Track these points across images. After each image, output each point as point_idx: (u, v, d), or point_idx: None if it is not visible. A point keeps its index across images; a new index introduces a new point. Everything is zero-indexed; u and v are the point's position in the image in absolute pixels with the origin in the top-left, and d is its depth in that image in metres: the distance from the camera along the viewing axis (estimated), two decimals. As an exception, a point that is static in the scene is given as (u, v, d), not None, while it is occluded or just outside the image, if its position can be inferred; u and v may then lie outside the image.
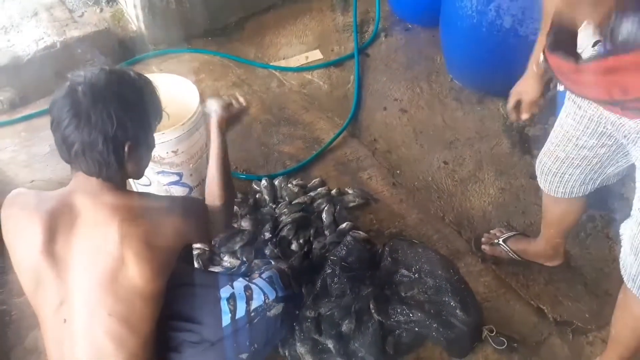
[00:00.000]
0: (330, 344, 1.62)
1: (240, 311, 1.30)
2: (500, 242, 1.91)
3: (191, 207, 1.34)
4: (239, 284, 1.35)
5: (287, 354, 1.64)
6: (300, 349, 1.63)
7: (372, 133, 2.43)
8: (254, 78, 2.68)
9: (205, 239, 1.60)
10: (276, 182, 2.14)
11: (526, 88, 1.47)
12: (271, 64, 2.76)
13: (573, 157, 1.41)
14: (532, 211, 2.08)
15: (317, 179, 2.17)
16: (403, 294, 1.71)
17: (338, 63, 2.75)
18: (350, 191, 2.12)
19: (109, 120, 1.12)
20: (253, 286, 1.34)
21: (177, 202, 1.34)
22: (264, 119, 2.48)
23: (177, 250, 1.24)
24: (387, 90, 2.61)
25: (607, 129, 1.29)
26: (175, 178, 1.93)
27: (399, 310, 1.65)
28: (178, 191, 1.99)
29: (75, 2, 2.78)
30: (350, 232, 1.88)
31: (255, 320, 1.30)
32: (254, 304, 1.31)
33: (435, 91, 2.59)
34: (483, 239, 1.94)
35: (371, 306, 1.66)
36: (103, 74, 1.16)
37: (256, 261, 1.85)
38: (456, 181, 2.21)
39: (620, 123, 1.20)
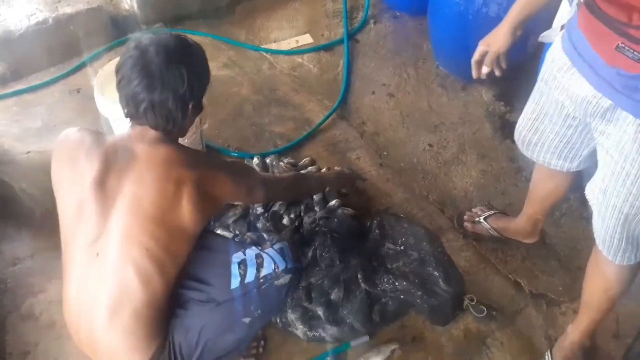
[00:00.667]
0: (319, 311, 1.70)
1: (250, 276, 1.36)
2: (482, 219, 2.01)
3: (240, 169, 1.49)
4: (251, 251, 1.41)
5: (278, 320, 1.72)
6: (291, 315, 1.70)
7: (361, 116, 2.50)
8: (245, 60, 2.73)
9: (248, 200, 1.77)
10: (267, 160, 2.20)
11: (495, 38, 1.51)
12: (262, 46, 2.81)
13: (548, 131, 1.48)
14: (511, 192, 2.19)
15: (308, 158, 2.24)
16: (389, 266, 1.80)
17: (328, 47, 2.81)
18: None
19: (180, 80, 1.23)
20: (265, 255, 1.40)
21: (228, 162, 1.59)
22: (255, 99, 2.53)
23: (221, 203, 1.37)
24: (376, 75, 2.69)
25: (570, 111, 1.36)
26: (170, 152, 1.98)
27: (385, 280, 1.74)
28: (172, 166, 2.03)
29: (67, -21, 2.77)
30: (340, 208, 1.96)
31: (263, 287, 1.35)
32: (264, 272, 1.36)
33: (421, 77, 2.68)
34: (465, 217, 2.04)
35: (359, 276, 1.75)
36: (170, 38, 1.27)
37: (249, 234, 1.92)
38: (440, 163, 2.31)
39: (587, 101, 1.26)
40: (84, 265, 1.28)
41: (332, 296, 1.72)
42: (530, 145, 1.57)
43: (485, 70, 1.56)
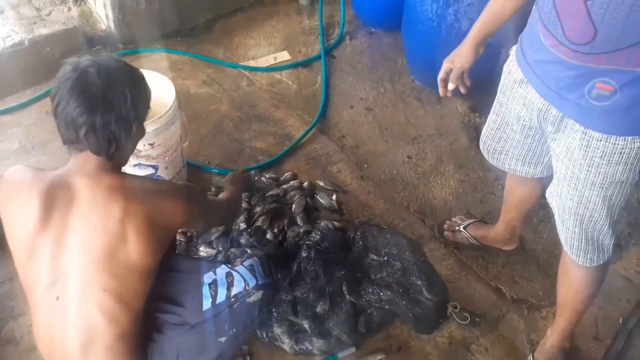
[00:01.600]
0: (305, 324, 1.70)
1: (221, 296, 1.34)
2: (461, 228, 2.05)
3: (191, 192, 1.40)
4: (222, 270, 1.40)
5: (264, 335, 1.72)
6: (277, 330, 1.70)
7: (340, 130, 2.54)
8: (223, 77, 2.75)
9: (201, 225, 1.71)
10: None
11: (458, 56, 1.53)
12: (241, 63, 2.84)
13: (511, 139, 1.54)
14: (489, 200, 2.24)
15: (289, 173, 2.26)
16: (373, 276, 1.82)
17: (306, 64, 2.86)
18: (321, 183, 2.22)
19: (123, 100, 1.19)
20: (234, 273, 1.39)
21: (177, 186, 1.42)
22: (235, 116, 2.55)
23: (174, 231, 1.32)
24: (353, 90, 2.74)
25: (526, 122, 1.41)
26: (151, 171, 1.98)
27: (369, 291, 1.76)
28: (154, 184, 2.03)
29: (41, 1, 2.77)
30: (323, 220, 1.98)
31: (235, 306, 1.34)
32: (235, 290, 1.35)
33: (398, 91, 2.74)
34: (445, 226, 2.08)
35: (344, 288, 1.76)
36: (112, 59, 1.24)
37: (232, 250, 1.92)
38: (419, 174, 2.35)
39: (539, 109, 1.32)
40: (46, 308, 1.25)
41: (318, 309, 1.73)
42: (495, 154, 1.63)
43: (450, 87, 1.58)
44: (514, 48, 1.43)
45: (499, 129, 1.56)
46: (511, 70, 1.42)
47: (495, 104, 1.55)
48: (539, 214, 2.16)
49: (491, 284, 1.97)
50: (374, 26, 3.08)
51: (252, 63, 2.85)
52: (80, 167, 1.23)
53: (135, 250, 1.21)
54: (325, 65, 2.81)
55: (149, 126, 1.83)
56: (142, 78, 1.29)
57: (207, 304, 1.34)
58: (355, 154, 2.43)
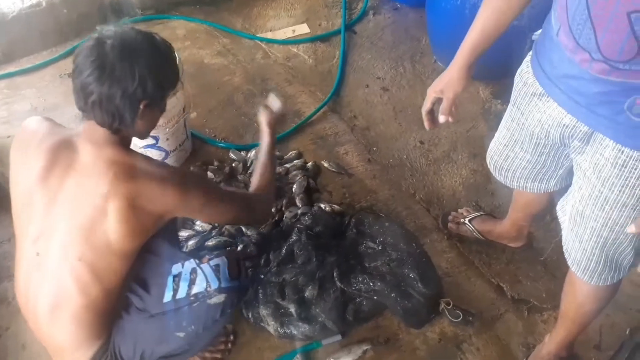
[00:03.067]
0: (292, 308, 1.67)
1: (182, 292, 1.29)
2: (466, 221, 1.96)
3: (190, 181, 1.33)
4: (189, 264, 1.33)
5: (250, 315, 1.70)
6: (263, 311, 1.68)
7: (353, 109, 2.45)
8: (239, 48, 2.69)
9: (204, 218, 1.62)
10: (253, 152, 2.16)
11: (448, 84, 1.35)
12: (258, 35, 2.77)
13: (520, 158, 1.42)
14: (501, 193, 2.12)
15: (294, 151, 2.20)
16: (367, 265, 1.76)
17: (324, 38, 2.76)
18: (325, 164, 2.16)
19: (131, 77, 1.16)
20: (199, 271, 1.32)
21: (175, 172, 1.34)
22: (246, 89, 2.49)
23: (163, 216, 1.27)
24: (371, 68, 2.63)
25: (541, 140, 1.30)
26: (151, 141, 1.96)
27: (360, 280, 1.71)
28: (154, 155, 2.01)
29: (63, -38, 2.75)
30: (319, 203, 1.92)
31: (195, 305, 1.29)
32: (195, 289, 1.29)
33: (418, 71, 2.62)
34: (450, 217, 1.99)
35: (335, 274, 1.72)
36: (133, 33, 1.20)
37: (227, 227, 1.90)
38: (430, 160, 2.25)
39: (564, 125, 1.20)
40: (27, 262, 1.28)
41: (306, 293, 1.70)
42: (502, 171, 1.52)
43: (442, 119, 1.40)
44: (528, 58, 1.30)
45: (506, 147, 1.43)
46: (527, 82, 1.28)
47: (506, 117, 1.42)
48: (552, 211, 2.03)
49: (492, 281, 1.88)
50: (400, 1, 2.93)
51: (269, 35, 2.77)
52: (89, 133, 1.23)
53: (114, 229, 1.20)
54: (345, 40, 2.70)
55: (148, 96, 1.81)
56: (164, 57, 1.24)
57: (168, 296, 1.30)
58: (365, 135, 2.34)
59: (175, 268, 1.31)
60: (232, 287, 1.30)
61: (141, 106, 1.20)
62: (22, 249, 1.29)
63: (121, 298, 1.32)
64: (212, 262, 1.32)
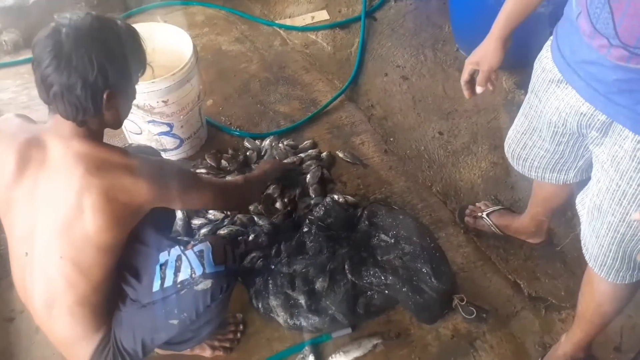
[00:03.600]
0: (301, 299, 1.65)
1: (169, 280, 1.28)
2: (484, 215, 1.90)
3: (163, 170, 1.29)
4: (174, 252, 1.31)
5: (259, 305, 1.69)
6: (273, 302, 1.67)
7: (371, 98, 2.40)
8: (257, 35, 2.66)
9: (182, 206, 1.58)
10: (267, 141, 2.14)
11: (484, 56, 1.37)
12: (277, 21, 2.73)
13: (539, 147, 1.39)
14: (521, 187, 2.06)
15: (309, 141, 2.18)
16: (379, 258, 1.73)
17: (344, 25, 2.71)
18: (340, 154, 2.13)
19: (89, 65, 1.10)
20: (184, 258, 1.30)
21: (145, 162, 1.27)
22: (263, 77, 2.47)
23: (140, 208, 1.24)
24: (391, 55, 2.57)
25: (559, 129, 1.26)
26: (165, 128, 1.95)
27: (372, 273, 1.68)
28: (169, 142, 2.01)
29: (84, -53, 2.75)
30: (331, 195, 1.89)
31: (183, 292, 1.27)
32: (181, 277, 1.28)
33: (439, 60, 2.54)
34: (467, 211, 1.94)
35: (346, 266, 1.69)
36: (89, 19, 1.14)
37: (239, 216, 1.88)
38: (448, 152, 2.20)
39: (581, 114, 1.16)
40: (18, 262, 1.29)
41: (317, 285, 1.67)
42: (520, 160, 1.48)
43: (479, 90, 1.42)
44: (548, 42, 1.24)
45: (524, 134, 1.40)
46: (545, 68, 1.24)
47: (524, 104, 1.39)
48: (574, 207, 1.96)
49: (509, 278, 1.83)
50: (423, -13, 2.85)
51: (288, 21, 2.74)
52: (57, 127, 1.19)
53: (91, 224, 1.17)
54: (364, 27, 2.65)
55: (162, 83, 1.80)
56: (124, 42, 1.18)
57: (156, 285, 1.28)
58: (382, 125, 2.29)
59: (162, 256, 1.30)
60: (217, 272, 1.28)
61: (104, 96, 1.15)
62: (12, 249, 1.29)
63: (115, 290, 1.31)
64: (196, 248, 1.30)
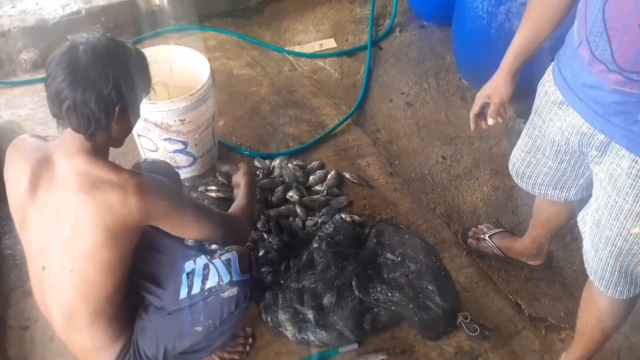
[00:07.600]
0: (310, 314, 1.70)
1: (196, 288, 1.32)
2: (486, 237, 1.97)
3: (154, 189, 1.28)
4: (201, 261, 1.36)
5: (269, 319, 1.73)
6: (282, 316, 1.71)
7: (376, 123, 2.50)
8: (267, 60, 2.77)
9: (182, 232, 1.41)
10: (277, 162, 2.22)
11: (495, 89, 1.44)
12: (286, 48, 2.84)
13: (542, 165, 1.46)
14: (522, 211, 2.14)
15: (317, 162, 2.25)
16: (386, 275, 1.79)
17: (351, 53, 2.82)
18: (347, 175, 2.20)
19: (105, 79, 1.16)
20: (211, 266, 1.34)
21: (143, 184, 1.26)
22: (272, 100, 2.56)
23: (135, 227, 1.27)
24: (396, 83, 2.68)
25: (562, 147, 1.34)
26: (180, 146, 2.02)
27: (379, 290, 1.73)
28: (182, 159, 2.08)
29: (103, -27, 2.87)
30: (342, 213, 1.96)
31: (209, 299, 1.31)
32: (209, 284, 1.32)
33: (442, 88, 2.65)
34: (470, 233, 2.01)
35: (353, 283, 1.74)
36: (104, 38, 1.21)
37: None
38: (451, 176, 2.28)
39: (582, 133, 1.23)
40: (36, 275, 1.35)
41: (325, 301, 1.72)
42: (524, 178, 1.55)
43: (491, 122, 1.50)
44: (550, 68, 1.34)
45: (529, 153, 1.48)
46: (548, 91, 1.33)
47: (528, 125, 1.47)
48: (573, 231, 2.04)
49: (510, 298, 1.89)
50: (426, 19, 2.99)
51: (297, 48, 2.84)
52: (65, 144, 1.24)
53: (89, 240, 1.22)
54: (370, 55, 2.76)
55: (180, 102, 1.88)
56: (136, 60, 1.26)
57: (183, 292, 1.33)
58: (387, 149, 2.38)
59: (188, 265, 1.35)
60: (243, 280, 1.33)
61: (117, 109, 1.20)
62: (30, 264, 1.35)
63: (132, 300, 1.36)
64: (224, 257, 1.35)
